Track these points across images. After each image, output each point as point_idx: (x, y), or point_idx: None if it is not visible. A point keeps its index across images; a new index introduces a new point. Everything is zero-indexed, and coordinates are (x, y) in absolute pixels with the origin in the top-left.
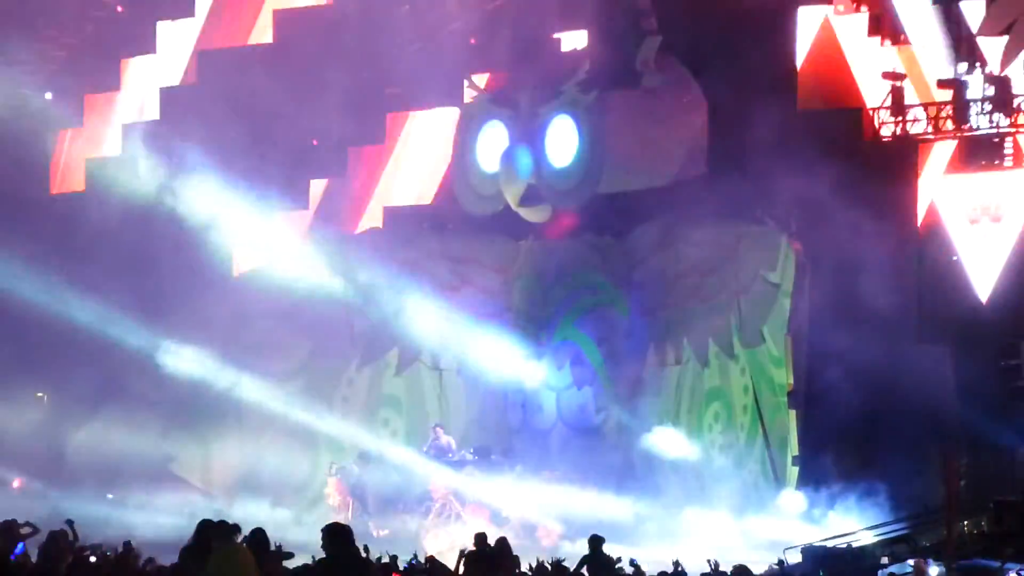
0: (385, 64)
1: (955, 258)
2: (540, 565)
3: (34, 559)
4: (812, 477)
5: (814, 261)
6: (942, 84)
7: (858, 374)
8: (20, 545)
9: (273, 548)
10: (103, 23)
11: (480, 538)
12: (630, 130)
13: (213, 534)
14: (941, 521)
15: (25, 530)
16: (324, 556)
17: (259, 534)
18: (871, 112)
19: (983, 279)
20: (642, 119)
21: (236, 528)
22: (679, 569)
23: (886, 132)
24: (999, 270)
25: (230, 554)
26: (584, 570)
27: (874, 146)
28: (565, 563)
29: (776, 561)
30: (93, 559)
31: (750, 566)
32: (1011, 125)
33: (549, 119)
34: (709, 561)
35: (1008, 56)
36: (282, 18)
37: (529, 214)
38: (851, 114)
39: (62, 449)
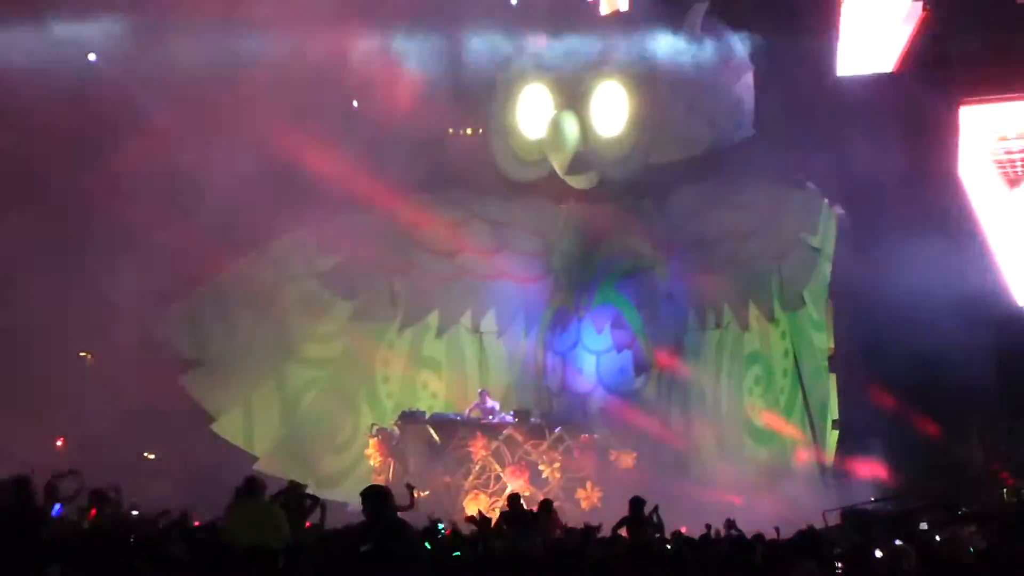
0: None
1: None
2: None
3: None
4: (852, 441)
5: (856, 225)
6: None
7: (900, 340)
8: (58, 506)
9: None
10: None
11: (514, 499)
12: (677, 97)
13: (240, 490)
14: (980, 488)
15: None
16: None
17: (290, 491)
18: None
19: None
20: (689, 86)
21: (260, 485)
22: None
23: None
24: None
25: (247, 507)
26: (623, 530)
27: (915, 109)
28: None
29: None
30: (135, 512)
31: (788, 528)
32: None
33: (595, 84)
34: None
35: None
36: None
37: (576, 181)
38: (891, 78)
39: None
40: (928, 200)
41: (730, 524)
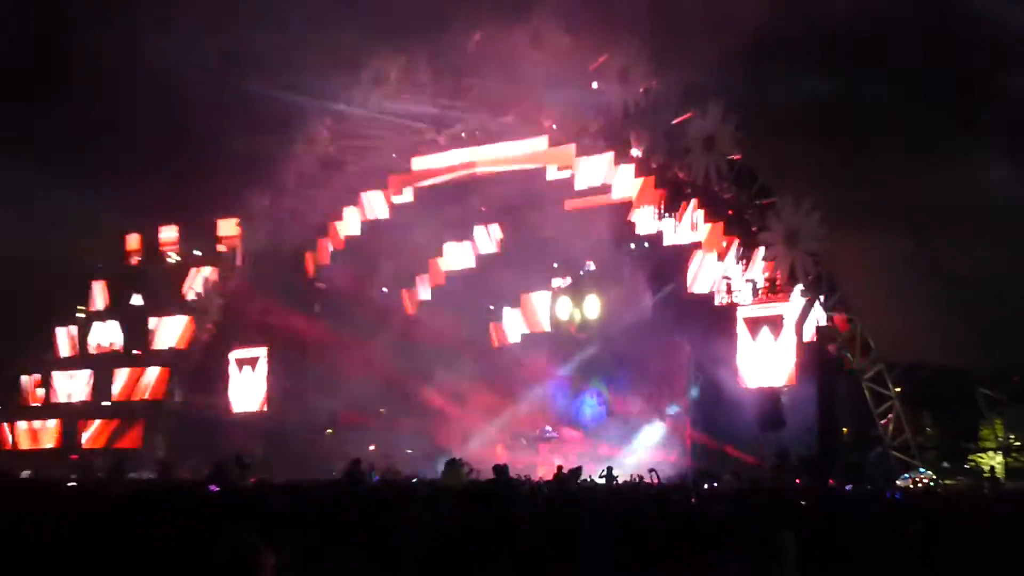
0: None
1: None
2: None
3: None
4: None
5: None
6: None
7: (726, 415)
8: (376, 477)
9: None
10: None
11: (560, 469)
12: (621, 303)
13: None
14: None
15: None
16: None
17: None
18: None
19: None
20: (624, 300)
21: (460, 462)
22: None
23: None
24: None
25: (455, 471)
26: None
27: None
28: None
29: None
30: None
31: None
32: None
33: (586, 296)
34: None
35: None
36: None
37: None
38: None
39: None
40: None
41: (652, 470)
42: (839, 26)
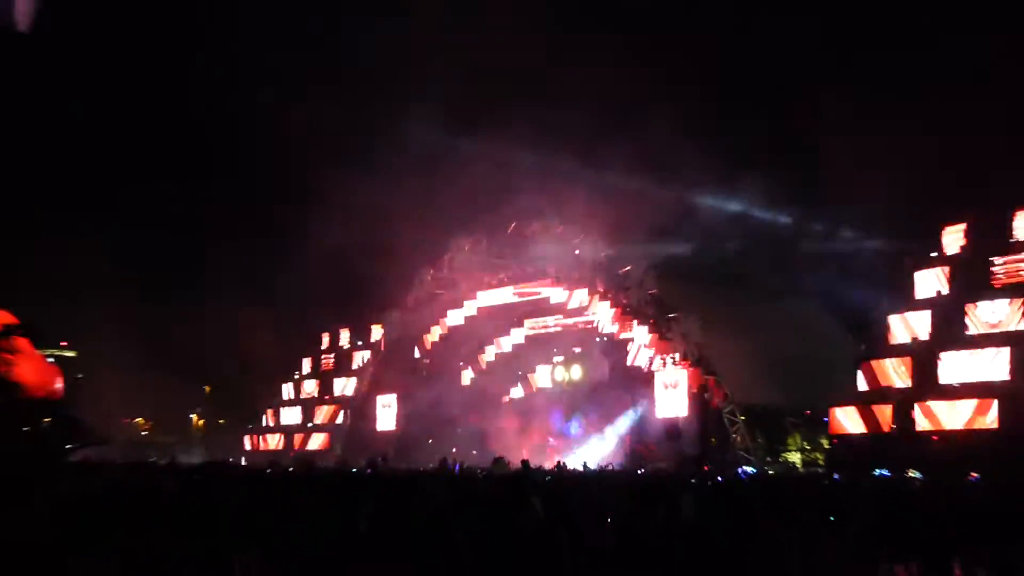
0: None
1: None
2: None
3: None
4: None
5: (637, 412)
6: (662, 358)
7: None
8: (456, 467)
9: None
10: None
11: (558, 463)
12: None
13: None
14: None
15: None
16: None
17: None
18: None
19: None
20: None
21: (503, 459)
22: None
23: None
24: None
25: (500, 464)
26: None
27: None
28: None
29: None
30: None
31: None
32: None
33: (571, 366)
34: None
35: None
36: None
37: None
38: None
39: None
40: (647, 396)
41: (609, 463)
42: (722, 224)
